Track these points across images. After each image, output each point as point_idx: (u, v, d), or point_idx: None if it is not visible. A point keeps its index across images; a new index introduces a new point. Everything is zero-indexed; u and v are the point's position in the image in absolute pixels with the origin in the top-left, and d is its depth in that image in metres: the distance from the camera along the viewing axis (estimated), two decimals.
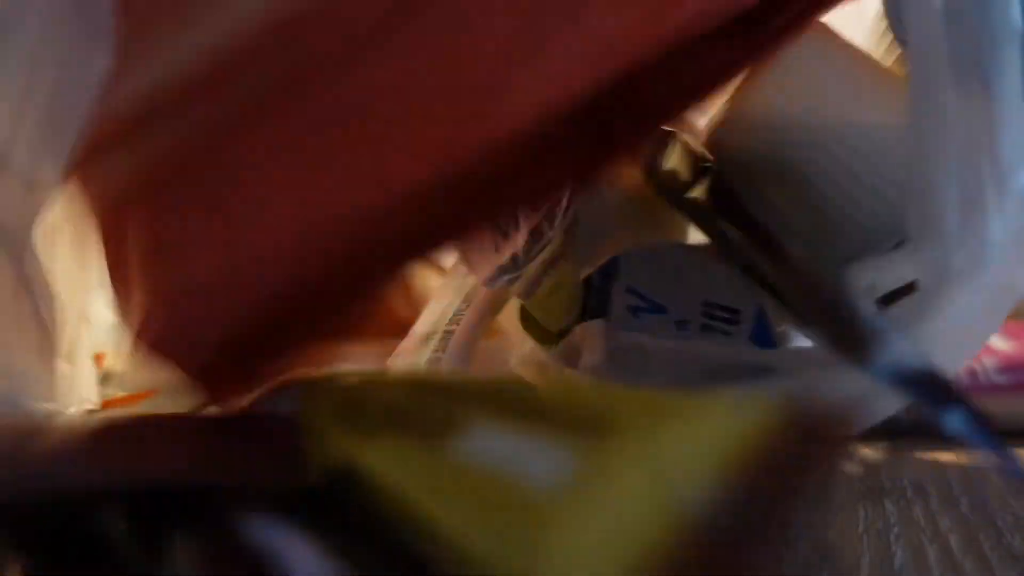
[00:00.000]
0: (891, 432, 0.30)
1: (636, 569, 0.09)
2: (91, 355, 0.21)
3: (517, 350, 0.26)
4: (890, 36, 0.26)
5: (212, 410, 0.17)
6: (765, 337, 0.25)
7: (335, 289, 0.17)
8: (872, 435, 0.30)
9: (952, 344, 0.21)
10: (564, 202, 0.22)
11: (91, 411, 0.20)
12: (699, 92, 0.19)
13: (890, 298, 0.21)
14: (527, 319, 0.25)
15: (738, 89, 0.24)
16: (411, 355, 0.22)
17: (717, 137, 0.25)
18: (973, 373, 0.31)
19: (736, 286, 0.24)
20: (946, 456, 0.28)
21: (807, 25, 0.19)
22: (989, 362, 0.31)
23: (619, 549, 0.10)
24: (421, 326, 0.24)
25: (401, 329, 0.42)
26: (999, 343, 0.32)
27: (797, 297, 0.21)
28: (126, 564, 0.12)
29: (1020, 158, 0.20)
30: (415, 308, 0.42)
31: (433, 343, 0.22)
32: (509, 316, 0.26)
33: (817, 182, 0.23)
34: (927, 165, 0.20)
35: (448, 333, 0.23)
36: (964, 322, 0.21)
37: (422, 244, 0.17)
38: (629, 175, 0.25)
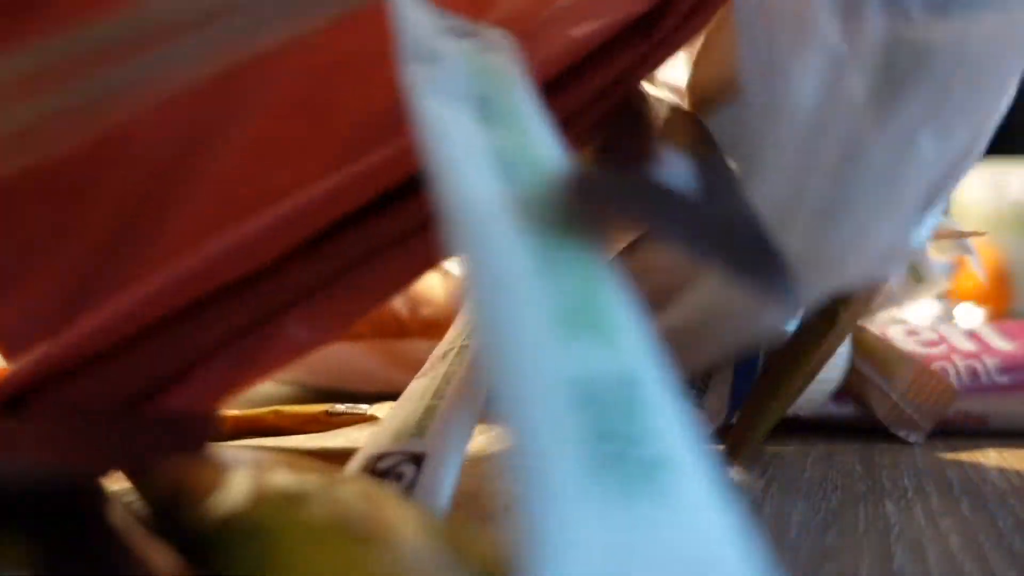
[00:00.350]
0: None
1: None
2: None
3: None
4: None
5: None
6: None
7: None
8: (874, 436, 0.30)
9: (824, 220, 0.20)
10: None
11: None
12: (611, 94, 0.20)
13: None
14: None
15: (695, 64, 0.24)
16: (429, 372, 0.23)
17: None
18: (975, 373, 0.31)
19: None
20: (946, 456, 0.29)
21: (700, 23, 0.20)
22: (991, 362, 0.31)
23: None
24: (438, 349, 0.24)
25: (399, 330, 0.42)
26: (1001, 343, 0.32)
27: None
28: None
29: (828, 10, 0.19)
30: (414, 309, 0.42)
31: (450, 358, 0.23)
32: None
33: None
34: (741, 27, 0.20)
35: (465, 348, 0.24)
36: (809, 193, 0.20)
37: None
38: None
